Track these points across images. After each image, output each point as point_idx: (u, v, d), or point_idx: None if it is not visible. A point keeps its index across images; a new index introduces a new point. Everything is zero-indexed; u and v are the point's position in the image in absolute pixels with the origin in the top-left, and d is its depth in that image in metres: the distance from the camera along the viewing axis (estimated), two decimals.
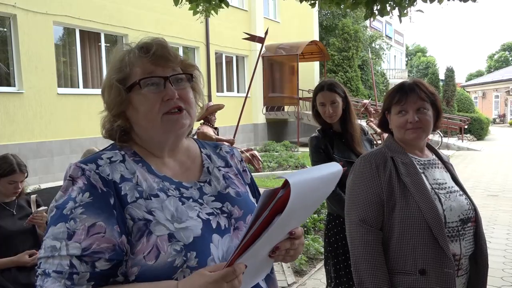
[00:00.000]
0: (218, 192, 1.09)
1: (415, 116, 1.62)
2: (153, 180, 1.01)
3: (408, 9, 4.22)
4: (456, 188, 1.67)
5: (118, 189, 0.97)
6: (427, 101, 1.65)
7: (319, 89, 2.60)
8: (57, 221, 0.92)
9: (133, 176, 1.00)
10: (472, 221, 1.62)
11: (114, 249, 0.91)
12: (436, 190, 1.60)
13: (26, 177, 2.57)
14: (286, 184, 0.80)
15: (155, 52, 1.03)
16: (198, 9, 4.59)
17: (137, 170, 1.02)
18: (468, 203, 1.63)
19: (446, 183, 1.66)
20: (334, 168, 0.93)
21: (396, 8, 4.16)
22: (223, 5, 4.53)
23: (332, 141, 2.56)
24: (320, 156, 2.54)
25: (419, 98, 1.63)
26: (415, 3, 4.19)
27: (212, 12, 4.65)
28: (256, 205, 1.02)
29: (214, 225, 1.00)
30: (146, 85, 1.01)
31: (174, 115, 1.02)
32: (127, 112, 1.04)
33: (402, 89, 1.67)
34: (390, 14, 4.22)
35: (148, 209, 0.96)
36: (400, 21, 4.29)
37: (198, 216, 1.00)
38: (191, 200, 1.03)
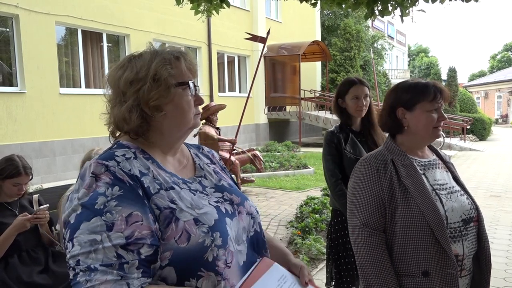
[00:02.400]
0: (215, 184, 1.19)
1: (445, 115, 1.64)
2: (165, 175, 1.08)
3: (410, 9, 4.22)
4: (457, 188, 1.66)
5: (141, 182, 1.01)
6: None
7: (351, 83, 2.62)
8: (90, 216, 0.93)
9: (148, 171, 1.05)
10: (474, 220, 1.61)
11: (153, 235, 0.96)
12: (437, 191, 1.59)
13: (31, 179, 2.57)
14: None
15: (191, 60, 1.15)
16: (199, 9, 4.60)
17: (150, 166, 1.07)
18: (470, 203, 1.62)
19: (447, 183, 1.64)
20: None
21: (398, 8, 4.16)
22: (224, 5, 4.54)
23: (347, 137, 2.59)
24: (331, 150, 2.58)
25: (446, 98, 1.64)
26: (417, 3, 4.18)
27: (214, 12, 4.66)
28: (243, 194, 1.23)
29: (223, 211, 1.10)
30: (186, 87, 1.12)
31: (198, 115, 1.16)
32: (164, 106, 1.09)
33: (433, 86, 1.62)
34: (392, 14, 4.21)
35: (170, 199, 1.03)
36: (402, 21, 4.29)
37: (209, 204, 1.09)
38: (198, 192, 1.12)
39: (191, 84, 1.12)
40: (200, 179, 1.18)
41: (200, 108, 1.17)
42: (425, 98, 1.61)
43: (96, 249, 0.90)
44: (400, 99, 1.66)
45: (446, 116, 1.66)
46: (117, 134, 1.14)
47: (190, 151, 1.27)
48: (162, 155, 1.13)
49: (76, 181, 1.02)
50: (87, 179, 0.98)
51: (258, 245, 1.17)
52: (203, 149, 1.34)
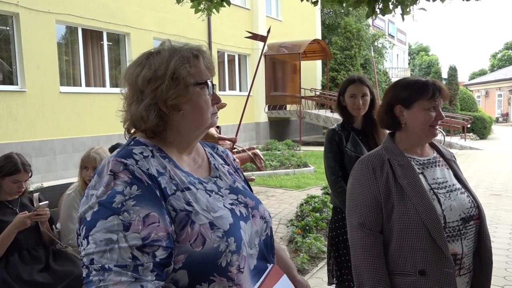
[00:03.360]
0: (230, 186, 1.18)
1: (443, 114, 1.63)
2: (181, 175, 1.07)
3: (411, 7, 4.21)
4: (458, 186, 1.65)
5: (158, 183, 1.00)
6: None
7: (350, 81, 2.64)
8: (107, 215, 0.91)
9: (165, 171, 1.04)
10: (474, 218, 1.60)
11: (168, 237, 0.94)
12: (435, 190, 1.59)
13: (30, 176, 2.58)
14: None
15: (209, 58, 1.13)
16: (199, 7, 4.60)
17: (166, 165, 1.06)
18: (471, 201, 1.61)
19: (446, 181, 1.64)
20: None
21: (399, 6, 4.16)
22: (224, 3, 4.54)
23: (348, 135, 2.59)
24: (332, 147, 2.58)
25: (446, 97, 1.64)
26: (417, 2, 4.18)
27: (214, 10, 4.66)
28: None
29: (238, 214, 1.09)
30: (205, 86, 1.11)
31: (214, 115, 1.16)
32: (182, 106, 1.08)
33: (433, 84, 1.62)
34: (393, 12, 4.21)
35: (186, 201, 1.02)
36: (403, 19, 4.29)
37: (224, 206, 1.08)
38: (213, 192, 1.10)
39: (209, 83, 1.11)
40: (215, 179, 1.16)
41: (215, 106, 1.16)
42: (424, 96, 1.61)
43: (112, 248, 0.88)
44: (398, 96, 1.66)
45: (444, 114, 1.64)
46: (132, 131, 1.12)
47: (205, 150, 1.25)
48: (178, 154, 1.12)
49: (93, 177, 1.00)
50: (105, 176, 0.97)
51: (267, 249, 1.16)
52: (217, 148, 1.32)
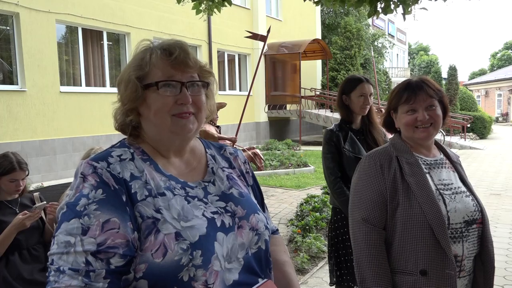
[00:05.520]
0: (222, 192, 1.11)
1: (425, 114, 1.61)
2: (160, 179, 1.03)
3: (412, 7, 4.21)
4: (463, 188, 1.65)
5: (128, 187, 0.98)
6: (435, 98, 1.63)
7: (359, 80, 2.64)
8: (70, 217, 0.92)
9: (141, 175, 1.02)
10: (477, 222, 1.60)
11: (127, 245, 0.92)
12: (441, 191, 1.59)
13: (27, 175, 2.57)
14: None
15: (177, 57, 1.04)
16: (201, 7, 4.60)
17: (145, 168, 1.03)
18: (475, 205, 1.61)
19: (452, 183, 1.63)
20: None
21: (400, 6, 4.15)
22: (225, 3, 4.54)
23: (346, 135, 2.60)
24: (330, 148, 2.59)
25: (428, 95, 1.62)
26: (419, 1, 4.17)
27: (215, 10, 4.65)
28: (257, 205, 1.15)
29: (218, 224, 1.02)
30: (162, 86, 1.04)
31: (183, 119, 1.05)
32: (139, 108, 1.06)
33: (410, 87, 1.64)
34: (394, 12, 4.20)
35: (156, 208, 0.98)
36: (404, 19, 4.29)
37: (203, 214, 1.02)
38: (196, 199, 1.05)
39: (173, 83, 1.04)
40: (206, 184, 1.10)
41: (189, 107, 1.05)
42: (400, 100, 1.66)
43: (68, 251, 0.89)
44: (390, 102, 1.72)
45: (427, 115, 1.60)
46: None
47: (207, 152, 1.19)
48: (164, 157, 1.09)
49: None
50: (77, 178, 0.98)
51: (260, 264, 1.07)
52: (225, 150, 1.24)
